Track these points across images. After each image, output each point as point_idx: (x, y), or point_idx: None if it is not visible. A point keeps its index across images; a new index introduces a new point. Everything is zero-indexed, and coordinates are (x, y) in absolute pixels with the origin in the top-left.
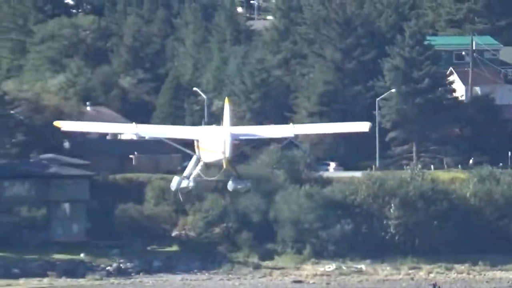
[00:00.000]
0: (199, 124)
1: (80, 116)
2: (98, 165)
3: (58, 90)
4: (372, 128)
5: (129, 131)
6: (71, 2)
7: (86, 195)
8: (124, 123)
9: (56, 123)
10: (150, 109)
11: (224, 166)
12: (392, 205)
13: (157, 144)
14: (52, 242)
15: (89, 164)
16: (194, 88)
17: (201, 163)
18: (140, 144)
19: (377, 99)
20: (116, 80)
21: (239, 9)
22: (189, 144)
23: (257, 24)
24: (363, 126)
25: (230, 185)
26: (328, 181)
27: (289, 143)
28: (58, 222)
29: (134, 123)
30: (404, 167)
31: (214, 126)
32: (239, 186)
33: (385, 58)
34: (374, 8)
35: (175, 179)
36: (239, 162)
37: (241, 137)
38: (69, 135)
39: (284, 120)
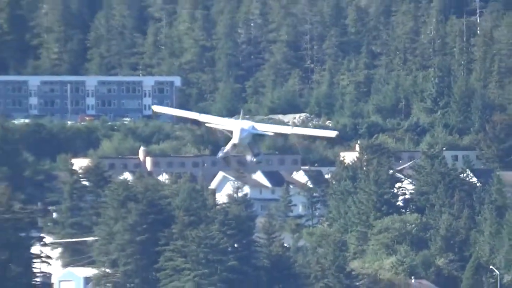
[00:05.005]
0: None
1: (406, 287)
2: None
3: (391, 267)
4: None
5: (193, 116)
6: (401, 204)
7: None
8: None
9: (154, 107)
10: (458, 281)
11: (235, 147)
12: None
13: None
14: None
15: None
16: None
17: (231, 143)
18: None
19: None
20: (433, 260)
21: None
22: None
23: None
24: (331, 133)
25: (248, 158)
26: None
27: None
28: None
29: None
30: None
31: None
32: (253, 160)
33: None
34: None
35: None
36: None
37: (250, 132)
38: None
39: None
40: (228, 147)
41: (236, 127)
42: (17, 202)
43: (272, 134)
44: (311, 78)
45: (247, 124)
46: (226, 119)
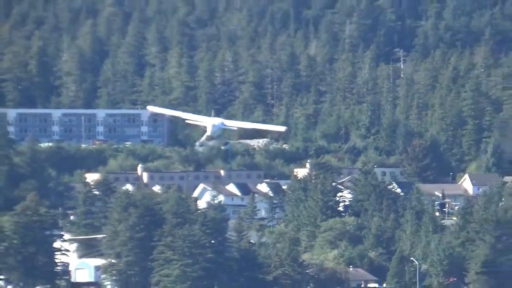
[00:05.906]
0: None
1: (346, 275)
2: None
3: (333, 259)
4: None
5: (178, 114)
6: (341, 209)
7: None
8: (370, 279)
9: (148, 107)
10: (386, 269)
11: (209, 138)
12: None
13: None
14: None
15: None
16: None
17: (205, 135)
18: None
19: None
20: (367, 253)
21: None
22: None
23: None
24: (280, 128)
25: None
26: None
27: None
28: None
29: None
30: None
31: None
32: (222, 147)
33: None
34: None
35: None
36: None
37: (220, 127)
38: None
39: None
40: (203, 138)
41: (209, 123)
42: (42, 207)
43: (236, 128)
44: (271, 111)
45: (217, 120)
46: (202, 117)
